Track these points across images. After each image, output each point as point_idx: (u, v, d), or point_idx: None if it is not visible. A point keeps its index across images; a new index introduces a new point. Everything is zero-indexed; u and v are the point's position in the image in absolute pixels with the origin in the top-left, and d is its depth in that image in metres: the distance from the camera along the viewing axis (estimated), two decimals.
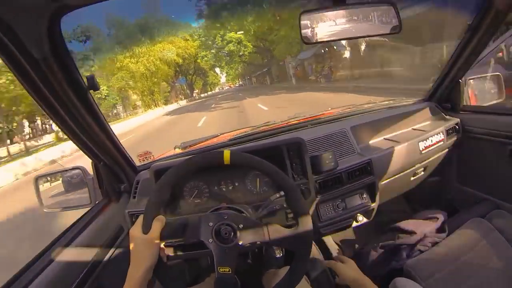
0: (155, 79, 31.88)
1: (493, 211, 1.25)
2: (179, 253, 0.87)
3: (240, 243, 0.68)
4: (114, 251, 0.99)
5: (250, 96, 18.01)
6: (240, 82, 55.24)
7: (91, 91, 0.83)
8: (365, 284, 0.84)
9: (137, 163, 1.24)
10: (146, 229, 0.68)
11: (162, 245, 0.70)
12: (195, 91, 43.69)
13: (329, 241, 1.38)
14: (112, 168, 1.09)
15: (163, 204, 0.75)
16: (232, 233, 0.68)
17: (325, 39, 0.89)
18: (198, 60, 35.33)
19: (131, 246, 0.68)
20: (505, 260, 1.05)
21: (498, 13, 1.10)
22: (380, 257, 1.25)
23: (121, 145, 1.07)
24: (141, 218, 0.70)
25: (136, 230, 0.69)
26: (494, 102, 1.53)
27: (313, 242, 1.31)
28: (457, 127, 1.40)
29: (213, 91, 50.88)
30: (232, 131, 1.46)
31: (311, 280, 1.23)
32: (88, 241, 0.92)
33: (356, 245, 1.44)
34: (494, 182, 1.35)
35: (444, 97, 1.50)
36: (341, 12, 0.88)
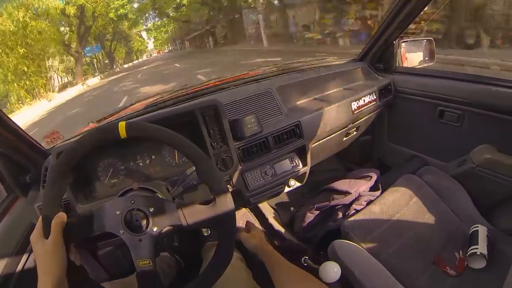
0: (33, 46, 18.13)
1: (423, 167, 1.31)
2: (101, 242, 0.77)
3: (155, 229, 0.58)
4: (28, 256, 0.85)
5: (188, 64, 15.29)
6: (170, 48, 50.31)
7: None
8: (269, 251, 0.80)
9: (46, 146, 1.07)
10: (46, 232, 0.57)
11: (71, 247, 0.59)
12: (117, 64, 33.87)
13: (265, 206, 1.35)
14: (13, 157, 0.91)
15: (61, 198, 0.61)
16: (144, 220, 0.58)
17: None
18: (111, 14, 25.26)
19: (35, 255, 0.57)
20: (437, 212, 1.12)
21: None
22: (316, 218, 1.26)
23: (21, 129, 0.89)
24: (40, 221, 0.58)
25: (36, 236, 0.57)
26: (426, 65, 1.59)
27: (248, 209, 1.28)
28: (389, 87, 1.42)
29: (139, 60, 44.17)
30: (148, 98, 1.32)
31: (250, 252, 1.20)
32: None
33: (292, 208, 1.44)
34: (424, 140, 1.42)
35: (376, 58, 1.50)
36: None
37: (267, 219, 1.30)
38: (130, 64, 37.36)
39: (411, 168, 1.35)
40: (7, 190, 0.95)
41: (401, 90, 1.44)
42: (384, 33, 1.39)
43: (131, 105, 1.33)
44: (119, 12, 25.74)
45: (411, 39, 1.62)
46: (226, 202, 0.61)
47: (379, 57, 1.49)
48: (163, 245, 1.21)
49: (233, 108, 1.02)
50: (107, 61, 31.40)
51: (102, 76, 25.90)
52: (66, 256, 0.57)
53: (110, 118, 1.24)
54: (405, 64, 1.54)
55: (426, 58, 1.61)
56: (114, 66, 32.36)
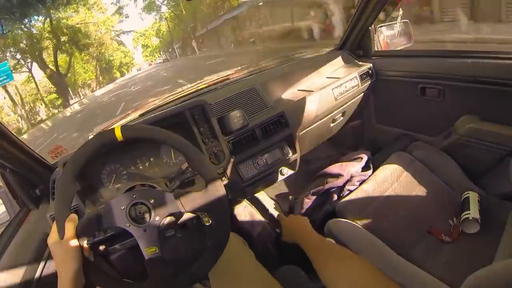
0: None
1: (412, 143, 1.36)
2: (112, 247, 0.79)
3: (157, 219, 0.65)
4: (45, 263, 0.90)
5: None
6: (164, 56, 42.11)
7: None
8: (315, 239, 0.80)
9: (51, 161, 1.13)
10: (61, 233, 0.63)
11: (85, 244, 0.64)
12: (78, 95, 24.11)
13: (264, 197, 1.38)
14: (22, 173, 0.97)
15: (71, 199, 0.68)
16: (147, 211, 0.65)
17: None
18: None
19: (53, 256, 0.63)
20: (429, 185, 1.16)
21: None
22: (314, 203, 1.30)
23: (26, 145, 0.95)
24: (54, 225, 0.65)
25: (52, 238, 0.64)
26: (404, 47, 1.63)
27: (248, 201, 1.32)
28: (370, 71, 1.46)
29: (125, 76, 36.07)
30: (141, 106, 1.38)
31: (254, 238, 1.24)
32: (14, 260, 0.83)
33: (290, 197, 1.48)
34: (410, 118, 1.46)
35: (355, 45, 1.54)
36: None
37: (267, 210, 1.33)
38: (107, 87, 27.77)
39: (401, 146, 1.39)
40: (20, 204, 1.00)
41: (382, 73, 1.48)
42: (360, 20, 1.43)
43: (125, 114, 1.37)
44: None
45: (387, 23, 1.66)
46: (216, 186, 0.67)
47: (357, 43, 1.54)
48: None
49: (220, 106, 1.07)
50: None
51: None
52: (81, 252, 0.63)
53: (108, 127, 1.27)
54: (384, 47, 1.57)
55: (404, 40, 1.65)
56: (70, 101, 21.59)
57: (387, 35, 1.62)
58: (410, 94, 1.39)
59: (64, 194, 0.66)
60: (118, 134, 0.66)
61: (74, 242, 0.62)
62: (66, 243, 0.62)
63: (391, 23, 1.67)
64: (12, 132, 0.89)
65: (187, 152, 0.69)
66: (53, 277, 0.85)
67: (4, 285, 0.76)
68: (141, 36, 37.74)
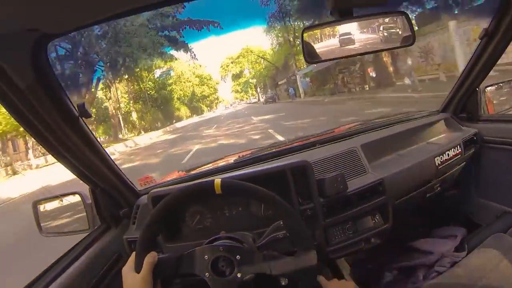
0: None
1: None
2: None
3: (239, 275, 0.65)
4: (110, 282, 0.96)
5: None
6: (263, 96, 34.13)
7: (83, 117, 0.81)
8: None
9: (138, 187, 1.22)
10: (138, 267, 0.65)
11: (158, 283, 0.67)
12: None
13: (341, 262, 1.32)
14: (110, 193, 1.06)
15: (155, 238, 0.73)
16: (230, 266, 0.65)
17: (330, 57, 0.83)
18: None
19: (124, 285, 0.66)
20: None
21: None
22: (395, 278, 1.19)
23: (119, 169, 1.05)
24: (133, 255, 0.68)
25: (128, 269, 0.67)
26: None
27: (324, 263, 1.26)
28: (474, 138, 1.34)
29: (204, 115, 35.51)
30: (237, 153, 1.43)
31: None
32: (84, 269, 0.90)
33: (369, 266, 1.38)
34: None
35: (460, 107, 1.43)
36: (347, 26, 0.81)
37: (342, 275, 1.26)
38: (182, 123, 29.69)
39: (502, 226, 1.22)
40: (101, 220, 1.09)
41: (487, 140, 1.35)
42: (466, 81, 1.33)
43: (220, 159, 1.45)
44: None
45: (496, 82, 1.51)
46: (310, 255, 0.65)
47: (462, 106, 1.43)
48: None
49: (320, 166, 1.06)
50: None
51: None
52: None
53: (199, 169, 1.36)
54: (491, 110, 1.44)
55: None
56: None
57: (495, 96, 1.48)
58: None
59: (151, 230, 0.69)
60: (218, 188, 0.68)
61: (149, 281, 0.64)
62: (140, 278, 0.63)
63: (500, 82, 1.52)
64: (109, 154, 0.99)
65: (288, 217, 0.68)
66: None
67: None
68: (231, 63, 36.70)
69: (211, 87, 40.01)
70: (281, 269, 0.65)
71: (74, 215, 1.10)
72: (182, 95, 34.22)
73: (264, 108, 22.06)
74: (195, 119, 33.54)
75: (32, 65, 0.62)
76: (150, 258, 0.66)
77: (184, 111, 35.52)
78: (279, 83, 28.89)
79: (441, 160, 1.20)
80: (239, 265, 0.65)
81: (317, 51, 0.82)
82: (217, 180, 0.69)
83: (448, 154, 1.22)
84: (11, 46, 0.58)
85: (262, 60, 31.71)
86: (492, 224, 1.30)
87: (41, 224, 1.05)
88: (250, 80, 39.66)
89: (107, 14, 0.60)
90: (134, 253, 0.68)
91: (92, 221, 1.06)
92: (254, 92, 43.74)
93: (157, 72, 29.85)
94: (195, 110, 39.27)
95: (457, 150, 1.25)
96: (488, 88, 1.45)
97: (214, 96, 42.48)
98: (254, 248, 0.71)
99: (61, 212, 1.11)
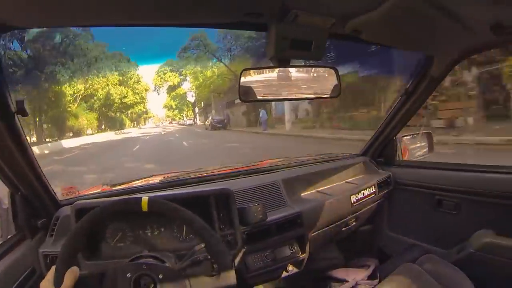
0: None
1: (423, 255, 1.31)
2: None
3: None
4: None
5: None
6: (190, 121, 31.05)
7: (20, 115, 0.78)
8: None
9: (60, 197, 1.16)
10: (57, 283, 0.63)
11: None
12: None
13: None
14: (31, 200, 1.00)
15: (78, 253, 0.72)
16: (152, 285, 0.66)
17: (263, 98, 0.91)
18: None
19: None
20: None
21: (433, 81, 1.25)
22: None
23: (44, 176, 1.00)
24: (53, 269, 0.66)
25: (47, 284, 0.64)
26: (424, 156, 1.71)
27: None
28: (388, 180, 1.53)
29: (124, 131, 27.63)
30: (163, 174, 1.45)
31: None
32: None
33: None
34: (423, 228, 1.46)
35: (378, 152, 1.64)
36: (282, 72, 0.90)
37: None
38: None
39: (411, 257, 1.36)
40: (17, 228, 1.00)
41: (400, 182, 1.54)
42: (385, 130, 1.55)
43: (146, 177, 1.45)
44: None
45: (411, 133, 1.77)
46: (229, 275, 0.70)
47: (380, 151, 1.63)
48: None
49: (242, 195, 1.14)
50: None
51: None
52: None
53: (124, 185, 1.35)
54: (405, 156, 1.66)
55: (425, 150, 1.74)
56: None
57: (409, 144, 1.73)
58: (426, 205, 1.42)
59: (73, 244, 0.68)
60: (145, 206, 0.71)
61: None
62: None
63: (414, 133, 1.78)
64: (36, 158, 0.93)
65: (209, 239, 0.72)
66: None
67: None
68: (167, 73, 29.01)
69: (138, 93, 29.36)
70: None
71: None
72: (82, 93, 22.77)
73: (209, 136, 16.28)
74: (108, 135, 24.53)
75: None
76: (72, 273, 0.64)
77: (85, 120, 23.99)
78: (236, 102, 18.83)
79: (357, 198, 1.35)
80: (161, 283, 0.66)
81: (254, 89, 0.88)
82: (145, 198, 0.72)
83: (363, 193, 1.38)
84: None
85: (215, 65, 22.83)
86: (401, 255, 1.45)
87: None
88: (189, 97, 32.04)
89: (76, 22, 0.64)
90: (53, 267, 0.66)
91: (6, 229, 0.98)
92: (190, 113, 36.39)
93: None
94: (111, 122, 29.04)
95: (372, 190, 1.43)
96: (404, 138, 1.70)
97: (140, 108, 31.88)
98: (176, 268, 0.73)
99: None
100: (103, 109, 27.12)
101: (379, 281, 1.27)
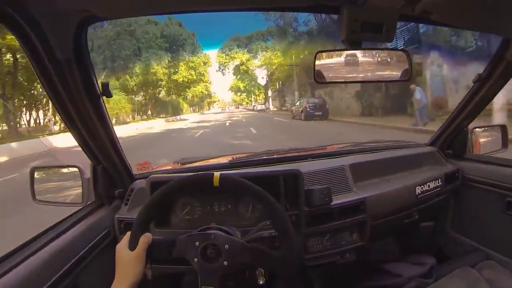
0: None
1: (483, 261, 1.24)
2: (163, 266, 0.88)
3: (225, 263, 0.70)
4: (97, 255, 1.00)
5: None
6: (262, 105, 24.73)
7: (104, 97, 0.87)
8: None
9: (135, 171, 1.26)
10: (132, 246, 0.70)
11: (148, 263, 0.72)
12: None
13: (313, 274, 1.36)
14: (110, 172, 1.11)
15: (152, 221, 0.78)
16: (218, 254, 0.70)
17: (336, 80, 0.92)
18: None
19: (117, 260, 0.70)
20: None
21: (510, 66, 1.12)
22: None
23: (123, 151, 1.09)
24: (128, 234, 0.73)
25: (123, 246, 0.71)
26: (497, 152, 1.54)
27: (297, 274, 1.31)
28: (456, 174, 1.41)
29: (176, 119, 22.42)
30: (232, 154, 1.47)
31: None
32: (73, 240, 0.93)
33: (342, 282, 1.42)
34: (488, 232, 1.35)
35: (447, 144, 1.51)
36: (355, 55, 0.89)
37: None
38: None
39: (471, 261, 1.27)
40: (96, 196, 1.13)
41: (468, 178, 1.42)
42: (456, 119, 1.41)
43: (215, 157, 1.50)
44: None
45: (484, 125, 1.60)
46: (293, 246, 0.71)
47: (449, 143, 1.50)
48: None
49: (309, 178, 1.12)
50: None
51: None
52: (143, 269, 0.69)
53: (195, 163, 1.40)
54: (476, 150, 1.52)
55: (499, 145, 1.57)
56: None
57: (481, 138, 1.56)
58: (494, 207, 1.30)
59: (148, 213, 0.73)
60: (216, 181, 0.74)
61: (142, 259, 0.69)
62: (134, 256, 0.68)
63: (488, 125, 1.61)
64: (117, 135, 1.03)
65: (278, 215, 0.73)
66: (97, 270, 0.98)
67: (57, 257, 0.84)
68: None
69: (194, 68, 23.61)
70: (265, 263, 0.71)
71: (70, 188, 1.13)
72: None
73: (309, 131, 10.78)
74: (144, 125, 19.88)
75: (74, 41, 0.69)
76: (146, 238, 0.71)
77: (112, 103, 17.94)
78: None
79: (422, 190, 1.26)
80: (227, 254, 0.70)
81: (327, 71, 0.88)
82: (217, 173, 0.75)
83: (429, 185, 1.29)
84: (60, 19, 0.64)
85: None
86: (461, 258, 1.36)
87: (35, 191, 1.08)
88: (259, 79, 25.95)
89: (155, 10, 0.68)
90: (129, 232, 0.73)
91: (86, 196, 1.10)
92: (261, 96, 29.31)
93: None
94: (162, 107, 23.97)
95: (438, 183, 1.32)
96: (476, 129, 1.53)
97: (200, 88, 24.97)
98: (242, 240, 0.75)
99: (57, 183, 1.14)
100: (144, 88, 22.19)
101: (434, 281, 1.19)
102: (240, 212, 1.02)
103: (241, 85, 28.59)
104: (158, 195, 0.75)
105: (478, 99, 1.29)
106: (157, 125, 19.87)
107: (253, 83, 28.36)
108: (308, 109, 14.07)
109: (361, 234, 1.15)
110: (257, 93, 29.93)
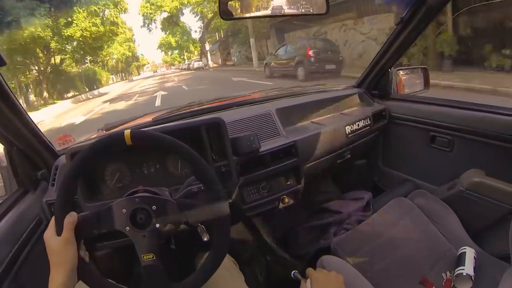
0: None
1: (414, 190, 1.35)
2: (101, 244, 0.83)
3: (157, 225, 0.65)
4: (32, 246, 0.92)
5: None
6: (199, 62, 21.40)
7: None
8: None
9: (57, 147, 1.15)
10: (59, 230, 0.63)
11: (81, 243, 0.66)
12: None
13: (260, 221, 1.40)
14: (27, 153, 1.00)
15: (73, 198, 0.69)
16: (148, 217, 0.66)
17: (246, 15, 0.87)
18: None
19: (48, 250, 0.64)
20: (425, 233, 1.16)
21: (430, 9, 1.16)
22: (309, 236, 1.32)
23: (37, 128, 0.98)
24: (53, 219, 0.65)
25: (50, 233, 0.64)
26: (420, 92, 1.66)
27: (242, 223, 1.34)
28: (383, 113, 1.50)
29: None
30: (155, 112, 1.40)
31: (242, 260, 1.26)
32: (4, 236, 0.85)
33: (286, 225, 1.50)
34: (416, 164, 1.47)
35: (373, 85, 1.59)
36: None
37: (261, 234, 1.35)
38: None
39: (403, 191, 1.40)
40: (19, 183, 1.02)
41: (395, 116, 1.52)
42: (380, 61, 1.48)
43: (139, 117, 1.42)
44: None
45: (406, 67, 1.71)
46: (222, 204, 0.68)
47: (375, 84, 1.58)
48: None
49: (235, 126, 1.10)
50: None
51: None
52: (76, 252, 0.64)
53: (119, 127, 1.31)
54: (400, 91, 1.61)
55: (421, 85, 1.69)
56: None
57: (405, 79, 1.68)
58: (419, 141, 1.41)
59: (67, 191, 0.66)
60: (128, 138, 0.67)
61: (71, 242, 0.63)
62: (63, 240, 0.62)
63: (410, 67, 1.73)
64: (26, 111, 0.91)
65: (198, 166, 0.70)
66: (37, 263, 0.90)
67: None
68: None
69: (115, 23, 18.23)
70: (196, 218, 0.66)
71: None
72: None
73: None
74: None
75: None
76: (70, 218, 0.64)
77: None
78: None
79: (351, 129, 1.33)
80: (156, 215, 0.65)
81: (230, 9, 0.82)
82: (127, 130, 0.68)
83: (358, 125, 1.36)
84: None
85: None
86: (394, 189, 1.48)
87: None
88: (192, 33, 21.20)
89: None
90: (53, 217, 0.65)
91: (9, 186, 1.00)
92: (197, 52, 24.01)
93: None
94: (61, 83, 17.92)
95: (367, 122, 1.40)
96: (400, 72, 1.64)
97: (116, 47, 19.70)
98: (169, 198, 0.72)
99: None
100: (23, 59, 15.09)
101: (372, 213, 1.30)
102: (170, 171, 0.99)
103: (173, 40, 24.58)
104: (71, 169, 0.67)
105: (400, 41, 1.34)
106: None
107: (186, 37, 24.19)
108: (314, 60, 8.99)
109: (296, 177, 1.18)
110: (192, 48, 25.71)
